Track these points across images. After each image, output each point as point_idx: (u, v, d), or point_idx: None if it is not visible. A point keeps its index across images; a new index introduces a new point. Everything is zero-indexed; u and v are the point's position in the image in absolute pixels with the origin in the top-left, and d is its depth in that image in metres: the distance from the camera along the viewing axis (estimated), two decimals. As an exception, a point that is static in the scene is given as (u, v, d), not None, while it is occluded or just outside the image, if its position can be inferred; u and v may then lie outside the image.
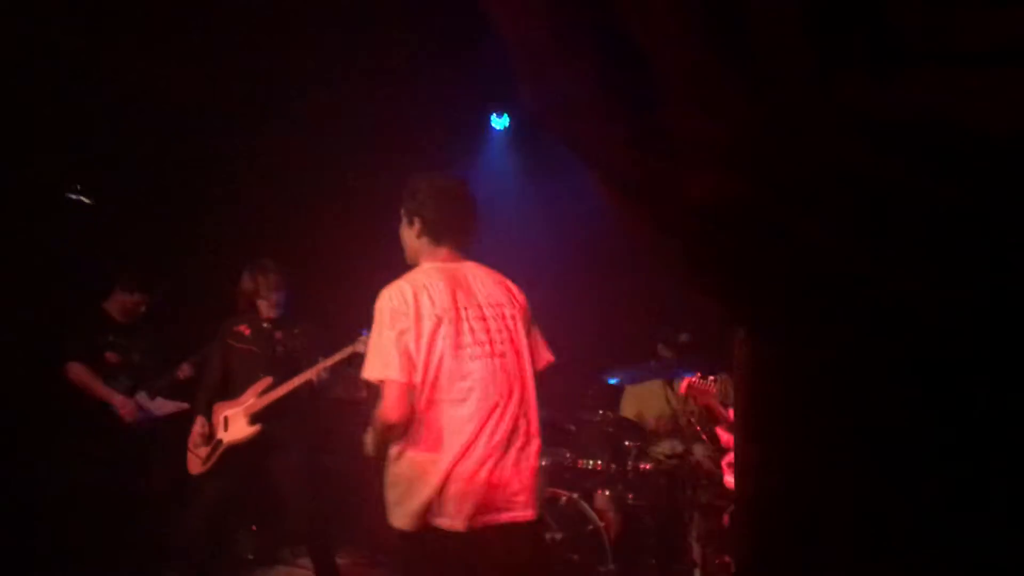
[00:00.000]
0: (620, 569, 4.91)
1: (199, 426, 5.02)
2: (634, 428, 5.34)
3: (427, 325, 2.87)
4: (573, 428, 5.38)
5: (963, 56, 0.90)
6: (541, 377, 3.29)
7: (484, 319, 3.02)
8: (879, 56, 0.95)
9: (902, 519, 1.37)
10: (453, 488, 2.80)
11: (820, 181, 1.06)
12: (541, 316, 6.33)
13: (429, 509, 2.80)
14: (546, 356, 3.33)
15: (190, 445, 5.07)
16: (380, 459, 2.97)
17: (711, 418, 4.19)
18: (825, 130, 1.01)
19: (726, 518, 4.96)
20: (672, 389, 5.55)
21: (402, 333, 2.84)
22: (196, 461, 5.03)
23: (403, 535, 2.85)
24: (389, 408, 2.80)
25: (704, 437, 5.07)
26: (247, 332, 5.10)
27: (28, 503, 5.19)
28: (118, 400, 5.25)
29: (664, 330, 5.62)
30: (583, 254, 6.43)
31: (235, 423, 4.98)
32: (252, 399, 4.95)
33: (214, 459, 4.96)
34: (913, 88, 0.95)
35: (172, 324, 5.73)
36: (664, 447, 5.37)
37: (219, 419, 5.03)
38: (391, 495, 2.88)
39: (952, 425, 1.32)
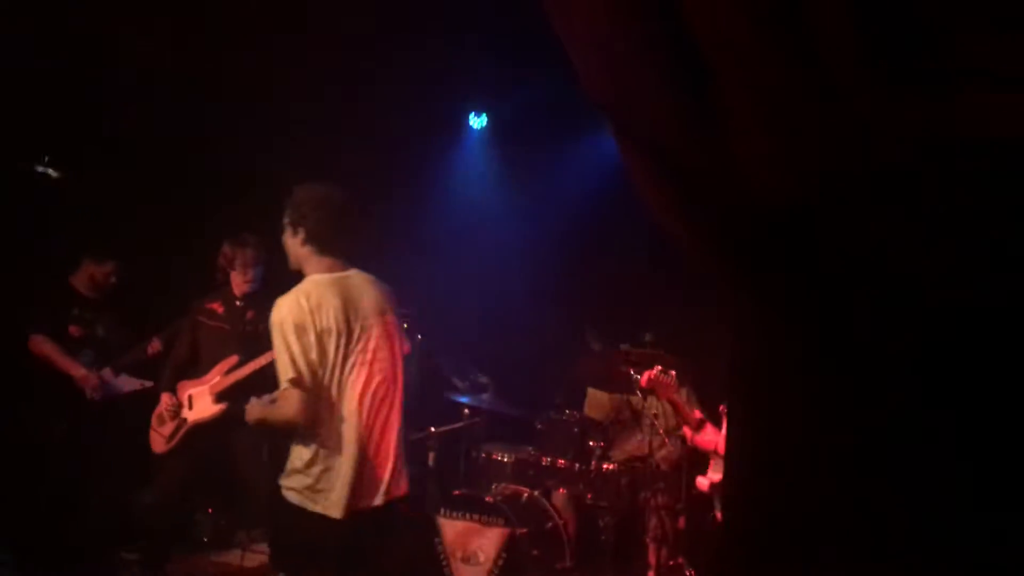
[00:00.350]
0: (577, 566, 5.00)
1: (164, 404, 4.99)
2: (599, 428, 5.43)
3: (324, 338, 3.26)
4: (540, 427, 5.45)
5: (1007, 80, 0.99)
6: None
7: (370, 329, 3.39)
8: (932, 76, 1.04)
9: (899, 516, 1.44)
10: (349, 479, 3.26)
11: (876, 185, 1.14)
12: (513, 314, 6.42)
13: (321, 496, 3.26)
14: (405, 348, 3.66)
15: (153, 423, 5.04)
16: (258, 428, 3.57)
17: (676, 415, 4.27)
18: (882, 139, 1.09)
19: (682, 521, 5.07)
20: (635, 395, 5.63)
21: (304, 346, 3.23)
22: (160, 440, 5.00)
23: (300, 512, 3.28)
24: (293, 412, 3.23)
25: (666, 440, 5.17)
26: (219, 310, 5.08)
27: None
28: (80, 373, 5.20)
29: (629, 330, 5.70)
30: (556, 254, 6.51)
31: (200, 401, 4.96)
32: (218, 377, 4.93)
33: (178, 438, 4.94)
34: (960, 105, 1.04)
35: (142, 299, 5.68)
36: (626, 448, 5.46)
37: (184, 397, 5.01)
38: (303, 482, 3.28)
39: (955, 422, 1.41)
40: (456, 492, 5.19)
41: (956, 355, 1.26)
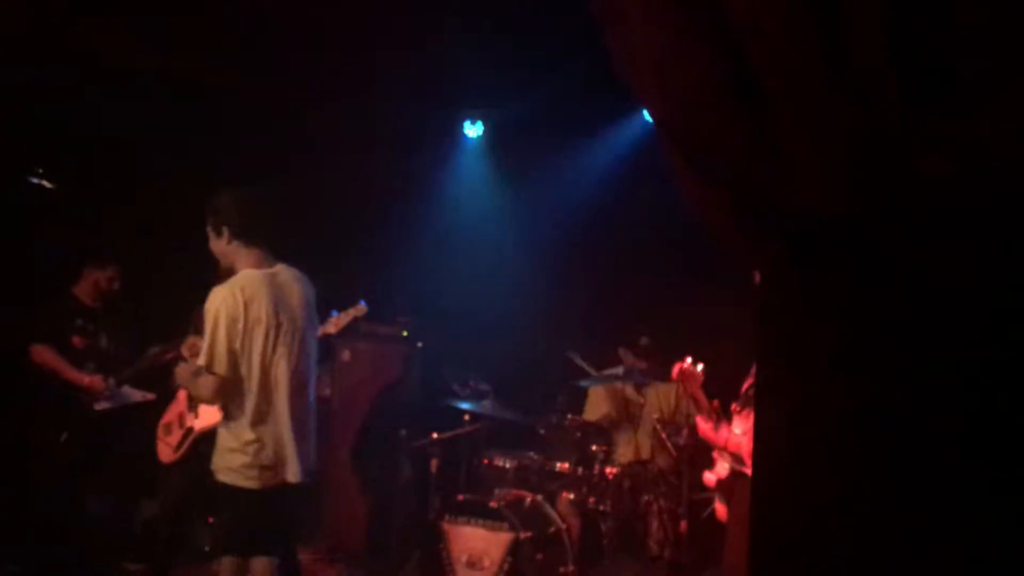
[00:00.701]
0: (580, 570, 5.04)
1: (171, 414, 5.01)
2: (601, 432, 5.48)
3: (252, 328, 3.61)
4: (542, 431, 5.49)
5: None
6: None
7: (294, 321, 3.76)
8: (960, 95, 1.10)
9: (928, 509, 1.49)
10: (283, 456, 3.62)
11: (911, 195, 1.20)
12: (512, 321, 6.46)
13: (256, 472, 3.59)
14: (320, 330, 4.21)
15: (160, 433, 5.05)
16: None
17: (697, 409, 4.32)
18: (915, 152, 1.15)
19: (684, 524, 5.12)
20: (638, 393, 5.69)
21: (231, 334, 3.57)
22: (167, 449, 5.02)
23: (237, 491, 3.61)
24: (207, 393, 3.68)
25: (667, 443, 5.23)
26: None
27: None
28: (86, 380, 5.20)
29: (626, 334, 5.76)
30: (553, 260, 6.56)
31: (205, 410, 4.98)
32: None
33: (185, 447, 4.95)
34: (987, 122, 1.11)
35: (143, 311, 5.69)
36: (628, 452, 5.51)
37: (189, 406, 5.03)
38: (240, 460, 3.61)
39: (972, 423, 1.46)
40: (460, 497, 5.22)
41: (987, 359, 1.31)
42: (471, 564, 4.94)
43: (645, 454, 5.48)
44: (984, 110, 1.12)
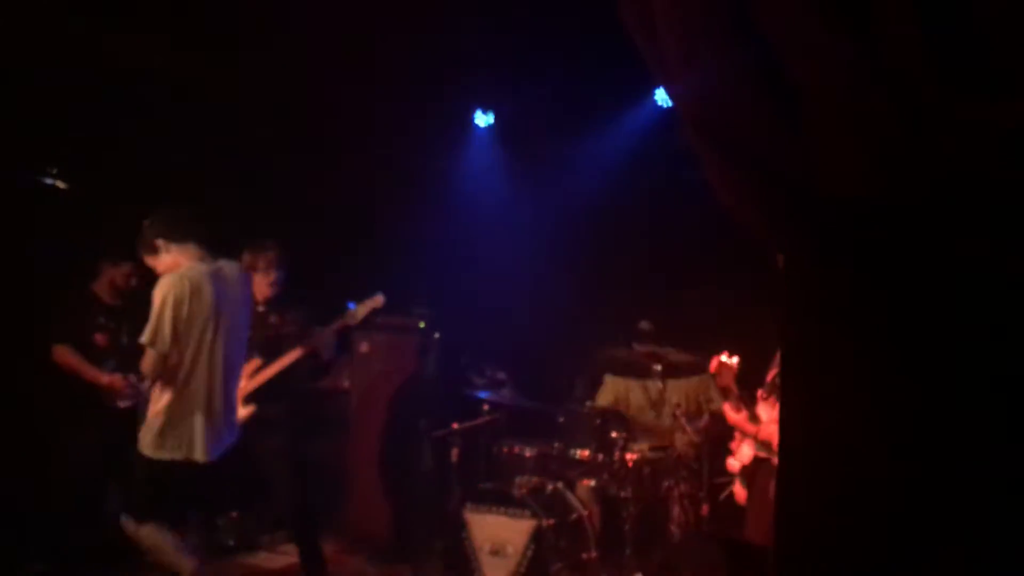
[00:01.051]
0: (602, 556, 5.07)
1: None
2: (620, 419, 5.50)
3: (195, 314, 4.08)
4: (562, 419, 5.52)
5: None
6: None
7: (233, 314, 4.26)
8: (993, 83, 1.11)
9: (952, 499, 1.50)
10: (187, 434, 4.07)
11: (945, 181, 1.21)
12: (527, 309, 6.48)
13: (185, 444, 4.07)
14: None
15: None
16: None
17: (729, 398, 4.35)
18: (948, 139, 1.16)
19: (705, 508, 5.14)
20: (657, 380, 5.70)
21: (176, 316, 4.03)
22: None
23: (152, 461, 4.06)
24: (149, 369, 4.09)
25: (687, 429, 5.24)
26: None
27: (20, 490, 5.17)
28: (107, 379, 5.25)
29: (630, 321, 5.78)
30: (565, 249, 6.57)
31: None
32: (244, 381, 5.00)
33: None
34: (1018, 108, 1.12)
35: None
36: (648, 438, 5.53)
37: None
38: (149, 432, 4.08)
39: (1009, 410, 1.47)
40: (481, 486, 5.26)
41: (1016, 349, 1.32)
42: (494, 552, 4.97)
43: (665, 440, 5.50)
44: (1017, 97, 1.13)
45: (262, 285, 5.11)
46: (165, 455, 4.06)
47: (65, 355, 5.26)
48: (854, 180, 1.15)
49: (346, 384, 6.41)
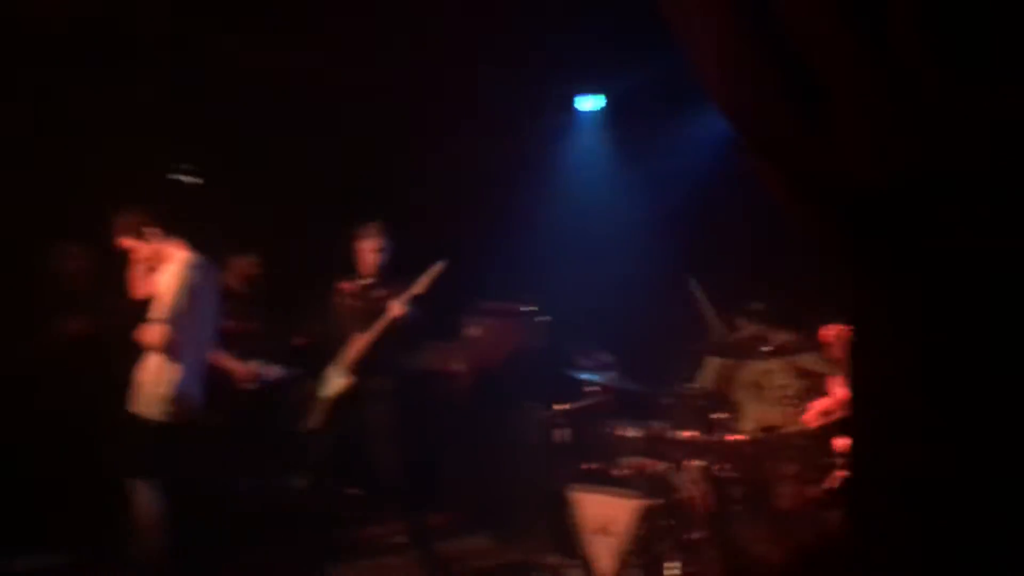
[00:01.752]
0: (709, 536, 5.09)
1: (311, 385, 5.36)
2: (723, 400, 5.49)
3: (197, 296, 4.67)
4: (666, 401, 5.55)
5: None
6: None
7: (216, 299, 4.93)
8: (997, 74, 1.14)
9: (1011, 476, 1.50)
10: (178, 397, 4.61)
11: (955, 169, 1.25)
12: (634, 291, 6.49)
13: (164, 407, 4.60)
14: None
15: (300, 404, 5.40)
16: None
17: (840, 372, 4.26)
18: (955, 130, 1.20)
19: (813, 489, 5.09)
20: (760, 364, 5.67)
21: (184, 297, 4.60)
22: (304, 420, 5.36)
23: (148, 421, 4.61)
24: (157, 339, 4.58)
25: (794, 410, 5.20)
26: (350, 291, 5.46)
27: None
28: (235, 367, 5.59)
29: (739, 302, 5.74)
30: (673, 231, 6.56)
31: (334, 378, 5.35)
32: (348, 353, 5.29)
33: (320, 415, 5.28)
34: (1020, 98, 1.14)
35: (287, 294, 6.03)
36: (754, 418, 5.51)
37: (325, 376, 5.42)
38: (148, 396, 4.63)
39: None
40: (587, 466, 5.35)
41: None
42: (600, 531, 5.06)
43: (771, 420, 5.46)
44: (1017, 82, 1.16)
45: (368, 267, 5.41)
46: (161, 417, 4.62)
47: None
48: (870, 165, 1.21)
49: (457, 367, 6.60)
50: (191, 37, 6.03)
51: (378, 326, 5.26)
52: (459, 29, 6.09)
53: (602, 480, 5.12)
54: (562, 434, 5.69)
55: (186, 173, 7.13)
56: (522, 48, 6.29)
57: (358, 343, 5.31)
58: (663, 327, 6.19)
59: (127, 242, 4.72)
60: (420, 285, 5.28)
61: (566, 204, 6.82)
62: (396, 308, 5.23)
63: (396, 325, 5.25)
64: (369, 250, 5.41)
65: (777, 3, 1.19)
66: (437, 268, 5.29)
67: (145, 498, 4.55)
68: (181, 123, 6.25)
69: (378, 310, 5.33)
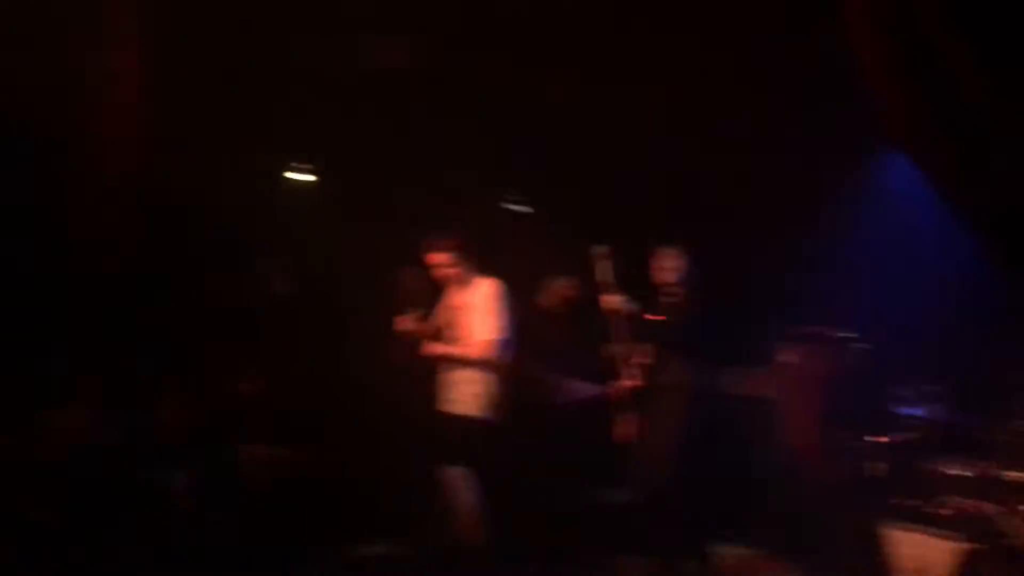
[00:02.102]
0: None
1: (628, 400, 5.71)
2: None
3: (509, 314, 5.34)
4: (1000, 438, 5.07)
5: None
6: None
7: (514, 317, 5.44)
8: None
9: None
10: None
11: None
12: (963, 319, 6.00)
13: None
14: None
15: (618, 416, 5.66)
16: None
17: None
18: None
19: None
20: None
21: (505, 313, 5.29)
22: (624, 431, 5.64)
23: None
24: (486, 351, 5.25)
25: None
26: (651, 306, 5.68)
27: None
28: (547, 383, 5.95)
29: None
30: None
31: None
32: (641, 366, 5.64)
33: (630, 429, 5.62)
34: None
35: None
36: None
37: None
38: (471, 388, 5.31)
39: None
40: (905, 502, 5.05)
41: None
42: (919, 572, 4.76)
43: None
44: None
45: (660, 276, 5.64)
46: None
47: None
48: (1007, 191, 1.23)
49: (769, 392, 6.49)
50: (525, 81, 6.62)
51: (617, 328, 5.59)
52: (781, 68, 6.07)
53: (920, 519, 4.81)
54: (876, 467, 5.41)
55: (516, 203, 7.81)
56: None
57: (635, 354, 5.60)
58: (999, 359, 5.66)
59: (442, 259, 5.34)
60: (600, 273, 5.60)
61: (878, 225, 6.47)
62: (611, 302, 5.59)
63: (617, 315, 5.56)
64: (662, 269, 5.59)
65: (948, 75, 1.24)
66: (601, 251, 5.60)
67: (464, 490, 5.09)
68: (509, 158, 6.83)
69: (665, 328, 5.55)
